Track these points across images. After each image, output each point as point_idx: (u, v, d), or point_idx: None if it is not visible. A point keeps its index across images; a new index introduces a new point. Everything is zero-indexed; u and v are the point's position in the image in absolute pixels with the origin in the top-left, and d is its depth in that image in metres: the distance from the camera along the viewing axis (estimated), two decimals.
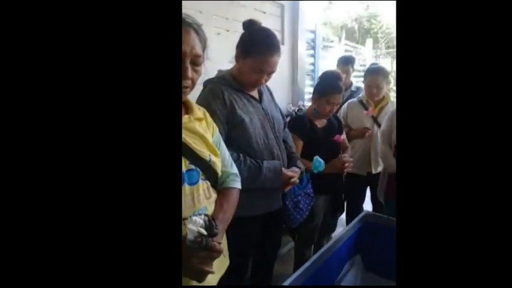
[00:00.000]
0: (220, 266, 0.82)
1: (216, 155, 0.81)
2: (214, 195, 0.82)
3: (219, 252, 0.69)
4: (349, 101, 2.06)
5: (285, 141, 1.26)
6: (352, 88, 2.33)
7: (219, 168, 0.82)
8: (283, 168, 1.13)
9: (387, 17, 12.87)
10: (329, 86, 1.46)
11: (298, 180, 1.21)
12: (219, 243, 0.71)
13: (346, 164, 1.46)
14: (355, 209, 2.00)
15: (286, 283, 0.92)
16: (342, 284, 1.39)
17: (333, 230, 1.81)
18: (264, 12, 2.41)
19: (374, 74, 1.89)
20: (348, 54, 3.50)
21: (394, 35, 13.03)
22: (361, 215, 1.52)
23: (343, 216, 2.15)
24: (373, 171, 1.94)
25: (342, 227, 2.11)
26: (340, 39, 4.99)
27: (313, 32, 3.40)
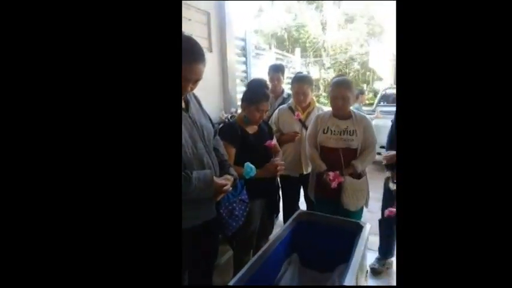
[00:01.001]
0: None
1: None
2: None
3: None
4: (280, 107, 2.15)
5: (216, 149, 1.26)
6: (284, 95, 2.44)
7: None
8: (214, 177, 1.12)
9: (314, 27, 13.89)
10: (258, 94, 1.50)
11: (231, 188, 1.21)
12: None
13: (279, 168, 1.53)
14: (291, 209, 2.08)
15: None
16: (281, 283, 1.43)
17: (270, 232, 1.86)
18: (190, 20, 2.38)
19: (300, 82, 2.00)
20: (278, 62, 3.68)
21: (321, 44, 14.11)
22: (295, 214, 1.60)
23: (282, 218, 2.23)
24: (305, 172, 2.05)
25: (279, 227, 2.17)
26: (270, 47, 5.20)
27: (244, 39, 3.48)
